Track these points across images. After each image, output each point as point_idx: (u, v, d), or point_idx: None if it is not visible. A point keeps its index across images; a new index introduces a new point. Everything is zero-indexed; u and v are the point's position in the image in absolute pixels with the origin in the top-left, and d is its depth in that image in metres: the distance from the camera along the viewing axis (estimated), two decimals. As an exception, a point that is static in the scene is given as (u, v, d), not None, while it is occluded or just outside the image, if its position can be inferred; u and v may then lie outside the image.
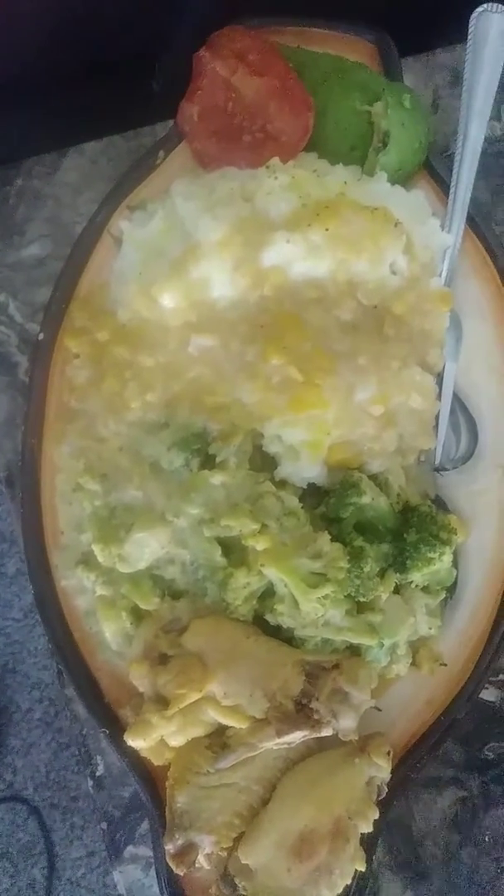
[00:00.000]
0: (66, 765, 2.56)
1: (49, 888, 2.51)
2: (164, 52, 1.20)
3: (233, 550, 0.96)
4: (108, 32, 1.15)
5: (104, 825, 1.10)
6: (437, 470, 1.06)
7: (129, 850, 1.10)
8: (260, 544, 0.93)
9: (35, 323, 1.14)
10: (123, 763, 1.00)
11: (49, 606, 1.04)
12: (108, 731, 1.00)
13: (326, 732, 0.92)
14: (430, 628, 1.01)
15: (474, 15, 1.06)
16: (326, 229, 0.95)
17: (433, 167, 1.08)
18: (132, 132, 1.17)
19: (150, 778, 1.00)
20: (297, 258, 0.96)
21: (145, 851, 1.09)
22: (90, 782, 1.09)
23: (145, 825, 1.09)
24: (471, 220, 1.06)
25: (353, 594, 0.95)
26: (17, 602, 2.61)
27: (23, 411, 1.07)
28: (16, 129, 1.18)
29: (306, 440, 0.97)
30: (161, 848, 0.96)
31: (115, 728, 1.00)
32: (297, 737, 0.91)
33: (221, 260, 0.96)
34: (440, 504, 1.05)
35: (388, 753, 0.97)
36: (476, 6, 1.05)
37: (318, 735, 0.92)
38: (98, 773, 1.10)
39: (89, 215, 1.08)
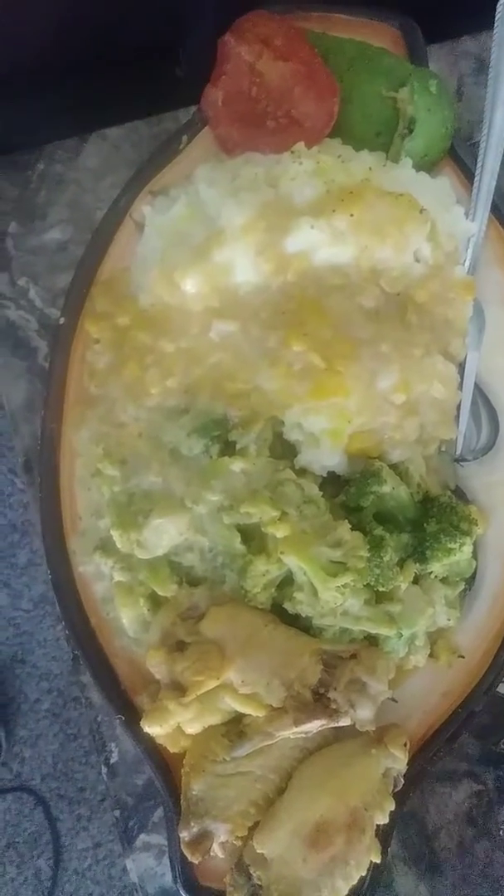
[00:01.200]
0: (73, 756, 2.57)
1: (55, 879, 2.52)
2: (187, 38, 1.19)
3: (252, 538, 0.96)
4: (131, 17, 1.14)
5: (117, 813, 1.10)
6: (457, 460, 1.05)
7: (142, 838, 1.09)
8: (280, 532, 0.93)
9: (55, 308, 1.13)
10: (138, 750, 1.00)
11: (66, 592, 1.03)
12: (123, 718, 1.00)
13: (344, 722, 0.91)
14: (449, 619, 1.01)
15: (502, 2, 1.04)
16: (351, 215, 0.94)
17: (458, 155, 1.07)
18: (155, 118, 1.17)
19: (165, 765, 1.00)
20: (321, 244, 0.96)
21: (158, 839, 1.09)
22: (104, 769, 1.09)
23: (158, 813, 1.09)
24: (495, 209, 1.05)
25: (372, 584, 0.94)
26: (27, 593, 2.62)
27: (42, 396, 1.07)
28: (38, 114, 1.18)
29: (327, 428, 0.96)
30: (175, 836, 0.96)
31: (131, 715, 1.00)
32: (315, 726, 0.91)
33: (245, 245, 0.96)
34: (460, 495, 1.04)
35: (405, 745, 0.96)
36: (504, -7, 1.04)
37: (336, 725, 0.91)
38: (112, 761, 1.09)
39: (111, 200, 1.07)
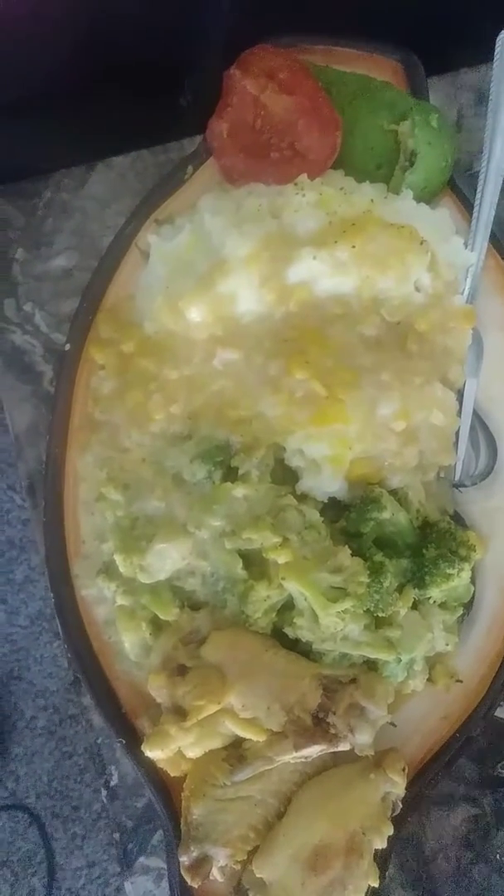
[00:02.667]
0: (68, 774, 2.55)
1: (49, 898, 2.50)
2: (192, 69, 1.21)
3: (253, 563, 0.97)
4: (137, 49, 1.16)
5: (116, 835, 1.10)
6: (456, 486, 1.07)
7: (141, 860, 1.10)
8: (281, 557, 0.94)
9: (60, 333, 1.15)
10: (138, 773, 1.00)
11: (69, 615, 1.04)
12: (124, 742, 1.00)
13: (343, 747, 0.92)
14: (447, 644, 1.02)
15: (501, 36, 1.07)
16: (353, 246, 0.96)
17: (457, 185, 1.09)
18: (160, 147, 1.19)
19: (165, 789, 1.00)
20: (323, 274, 0.97)
21: (157, 862, 1.09)
22: (104, 792, 1.10)
23: (157, 836, 1.09)
24: (493, 238, 1.07)
25: (372, 609, 0.95)
26: (23, 609, 2.61)
27: (46, 421, 1.08)
28: (45, 142, 1.20)
29: (328, 455, 0.97)
30: (175, 859, 0.96)
31: (132, 738, 1.01)
32: (314, 751, 0.91)
33: (248, 275, 0.97)
34: (458, 520, 1.06)
35: (404, 769, 0.97)
36: (502, 27, 1.07)
37: (335, 750, 0.92)
38: (112, 784, 1.10)
39: (116, 228, 1.09)
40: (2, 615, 2.61)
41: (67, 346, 1.07)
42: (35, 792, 2.55)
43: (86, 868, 2.53)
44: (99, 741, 1.10)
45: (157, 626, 1.00)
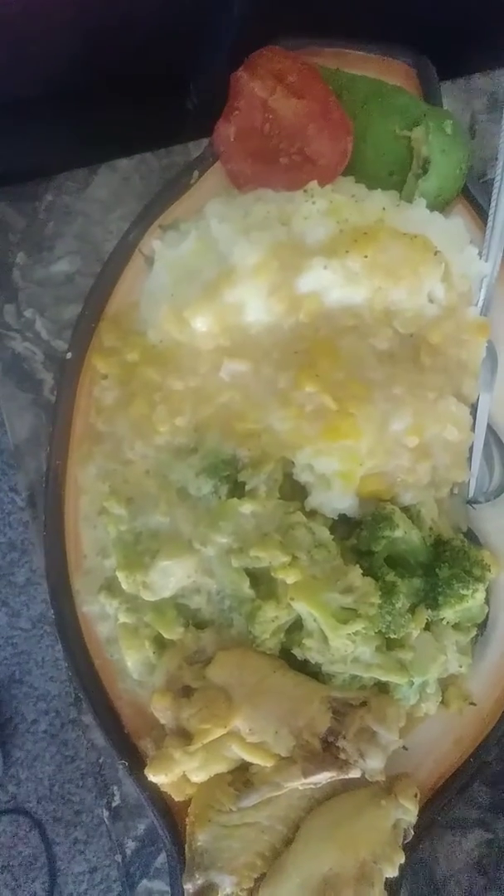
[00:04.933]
0: (70, 778, 2.54)
1: (50, 903, 2.49)
2: (199, 71, 1.19)
3: (261, 582, 0.94)
4: (143, 50, 1.13)
5: (119, 858, 1.07)
6: (469, 503, 1.04)
7: (144, 883, 1.07)
8: (290, 577, 0.91)
9: (62, 340, 1.12)
10: (141, 796, 0.98)
11: (69, 632, 1.01)
12: (126, 764, 0.98)
13: (354, 774, 0.89)
14: (461, 666, 0.99)
15: (517, 40, 1.04)
16: (365, 256, 0.93)
17: (471, 193, 1.06)
18: (164, 150, 1.16)
19: (168, 812, 0.98)
20: (334, 285, 0.95)
21: (161, 886, 1.06)
22: (106, 813, 1.07)
23: (161, 858, 1.07)
24: (509, 248, 1.04)
25: (383, 630, 0.93)
26: (25, 612, 2.59)
27: (47, 430, 1.06)
28: (47, 144, 1.17)
29: (339, 470, 0.95)
30: (179, 885, 0.94)
31: (134, 759, 0.98)
32: (324, 778, 0.89)
33: (256, 285, 0.94)
34: (472, 537, 1.03)
35: (416, 795, 0.94)
36: (518, 31, 1.04)
37: (346, 777, 0.89)
38: (114, 804, 1.07)
39: (119, 233, 1.06)
40: (3, 618, 2.59)
41: (69, 355, 1.04)
42: (36, 796, 2.54)
43: (87, 873, 2.52)
44: (101, 760, 1.07)
45: (160, 644, 0.97)
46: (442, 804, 0.98)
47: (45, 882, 2.50)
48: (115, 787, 1.07)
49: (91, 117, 1.14)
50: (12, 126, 1.10)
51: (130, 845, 1.08)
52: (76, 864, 2.52)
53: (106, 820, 1.07)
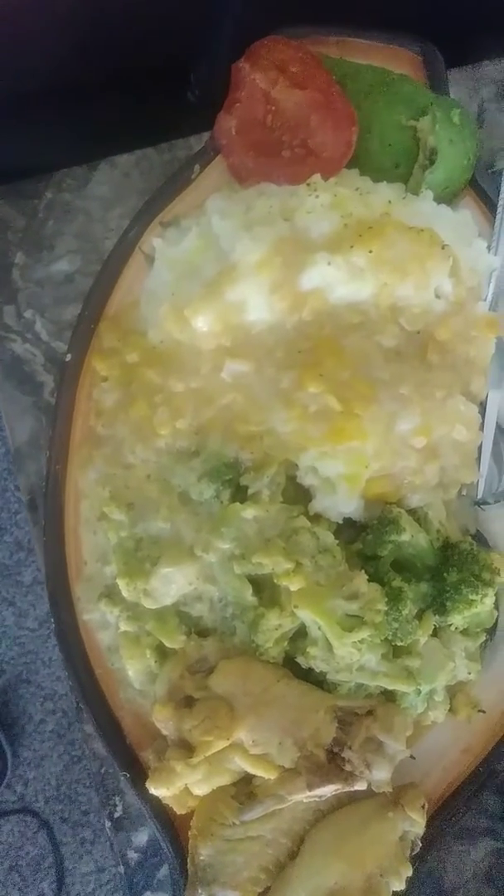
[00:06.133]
0: (77, 778, 2.53)
1: (58, 903, 2.48)
2: (200, 63, 1.16)
3: (264, 589, 0.92)
4: (142, 41, 1.11)
5: (122, 869, 1.05)
6: (478, 504, 1.01)
7: (148, 895, 1.05)
8: (294, 584, 0.88)
9: (62, 341, 1.10)
10: (143, 808, 0.96)
11: (70, 640, 0.99)
12: (128, 776, 0.96)
13: (360, 786, 0.87)
14: (469, 673, 0.96)
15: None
16: (370, 251, 0.90)
17: (479, 184, 1.03)
18: (166, 145, 1.13)
19: (170, 824, 0.95)
20: (338, 281, 0.92)
21: (164, 897, 1.05)
22: (108, 824, 1.05)
23: (164, 870, 1.04)
24: (519, 242, 1.01)
25: (390, 638, 0.90)
26: (32, 612, 2.58)
27: (47, 433, 1.04)
28: (46, 140, 1.15)
29: (343, 473, 0.92)
30: (182, 898, 0.92)
31: (136, 770, 0.96)
32: (329, 790, 0.86)
33: (259, 282, 0.92)
34: (480, 540, 1.01)
35: (423, 806, 0.92)
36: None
37: (351, 789, 0.87)
38: (116, 815, 1.05)
39: (120, 231, 1.04)
40: (10, 618, 2.58)
41: (68, 357, 1.02)
42: (44, 796, 2.54)
43: (95, 873, 2.51)
44: (103, 770, 1.05)
45: (162, 653, 0.95)
46: (450, 814, 0.95)
47: (53, 882, 2.49)
48: (118, 798, 1.05)
49: (90, 112, 1.12)
50: (10, 122, 1.08)
51: (133, 856, 1.05)
52: (84, 865, 2.51)
53: (108, 830, 1.05)
